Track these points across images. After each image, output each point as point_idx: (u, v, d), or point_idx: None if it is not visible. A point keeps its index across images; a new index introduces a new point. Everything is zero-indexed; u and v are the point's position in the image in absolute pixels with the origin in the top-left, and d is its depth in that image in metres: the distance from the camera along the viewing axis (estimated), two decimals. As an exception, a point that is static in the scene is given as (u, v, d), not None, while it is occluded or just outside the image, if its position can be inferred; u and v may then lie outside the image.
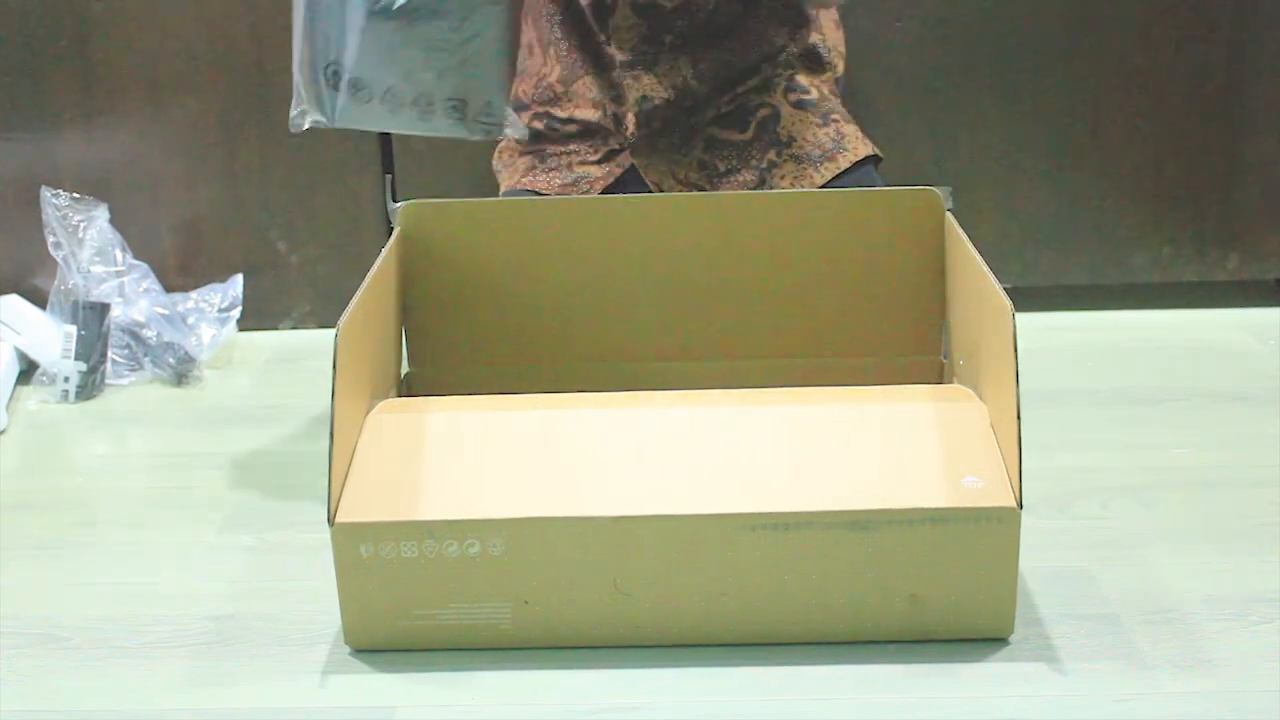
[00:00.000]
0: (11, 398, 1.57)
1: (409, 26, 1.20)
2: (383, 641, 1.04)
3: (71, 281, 1.62)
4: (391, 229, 1.26)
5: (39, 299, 1.69)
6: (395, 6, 1.18)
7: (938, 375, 1.29)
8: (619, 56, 1.46)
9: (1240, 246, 1.75)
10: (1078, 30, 1.67)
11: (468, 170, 1.64)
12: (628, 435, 1.07)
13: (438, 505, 1.01)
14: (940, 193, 1.24)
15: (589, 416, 1.09)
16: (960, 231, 1.18)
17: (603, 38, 1.47)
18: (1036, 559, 1.14)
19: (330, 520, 1.00)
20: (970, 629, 1.02)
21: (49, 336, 1.61)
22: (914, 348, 1.29)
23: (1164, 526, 1.21)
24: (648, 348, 1.30)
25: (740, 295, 1.28)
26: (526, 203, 1.32)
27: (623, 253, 1.27)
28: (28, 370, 1.62)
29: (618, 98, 1.46)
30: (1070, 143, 1.71)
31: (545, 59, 1.52)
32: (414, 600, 1.02)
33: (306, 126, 1.25)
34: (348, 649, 1.05)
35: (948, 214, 1.24)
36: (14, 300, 1.69)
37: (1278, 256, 1.75)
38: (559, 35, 1.49)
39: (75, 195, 1.64)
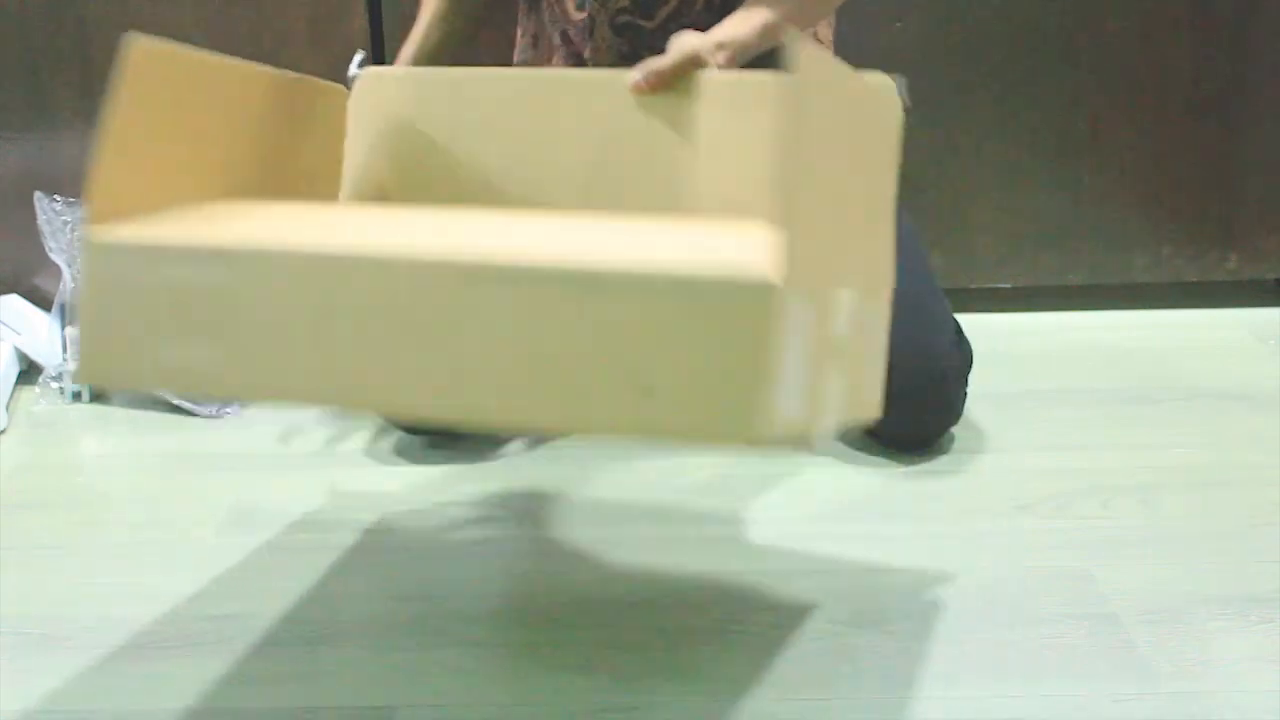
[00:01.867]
0: (11, 398, 1.57)
1: None
2: (112, 380, 0.96)
3: (73, 284, 1.62)
4: None
5: (39, 299, 1.69)
6: None
7: None
8: None
9: (1240, 246, 1.75)
10: (1078, 30, 1.67)
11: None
12: (442, 220, 1.00)
13: (189, 234, 0.93)
14: (896, 81, 0.99)
15: (432, 213, 1.03)
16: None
17: (586, 55, 1.47)
18: (1036, 559, 1.14)
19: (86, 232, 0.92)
20: (710, 428, 0.83)
21: (49, 336, 1.61)
22: None
23: (1164, 526, 1.21)
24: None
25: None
26: (487, 75, 1.22)
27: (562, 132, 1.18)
28: (28, 370, 1.62)
29: None
30: (1070, 143, 1.71)
31: (551, 54, 1.52)
32: (140, 333, 0.93)
33: None
34: (349, 650, 1.05)
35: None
36: (14, 300, 1.69)
37: (1278, 256, 1.75)
38: (558, 43, 1.50)
39: (70, 199, 1.64)
